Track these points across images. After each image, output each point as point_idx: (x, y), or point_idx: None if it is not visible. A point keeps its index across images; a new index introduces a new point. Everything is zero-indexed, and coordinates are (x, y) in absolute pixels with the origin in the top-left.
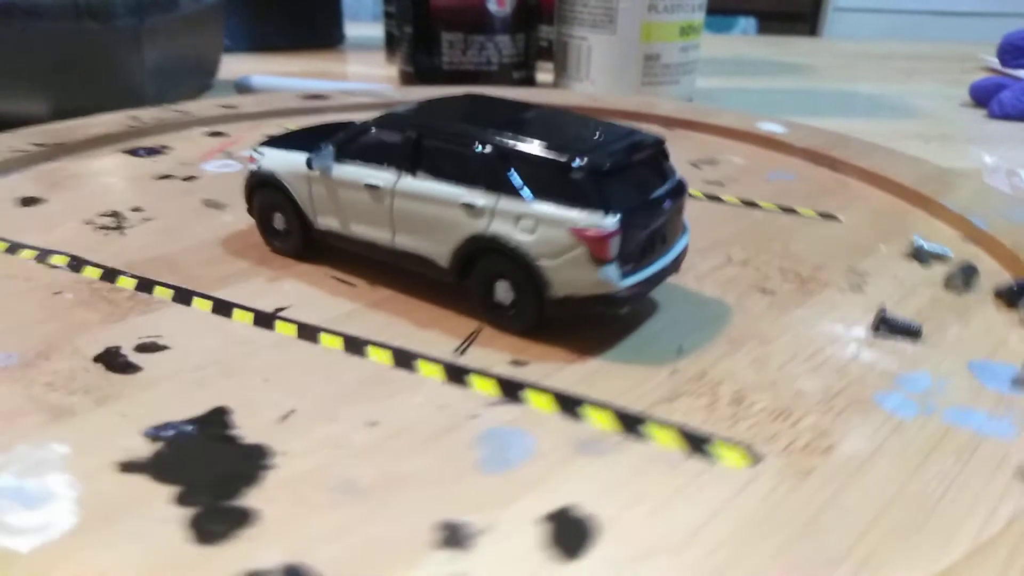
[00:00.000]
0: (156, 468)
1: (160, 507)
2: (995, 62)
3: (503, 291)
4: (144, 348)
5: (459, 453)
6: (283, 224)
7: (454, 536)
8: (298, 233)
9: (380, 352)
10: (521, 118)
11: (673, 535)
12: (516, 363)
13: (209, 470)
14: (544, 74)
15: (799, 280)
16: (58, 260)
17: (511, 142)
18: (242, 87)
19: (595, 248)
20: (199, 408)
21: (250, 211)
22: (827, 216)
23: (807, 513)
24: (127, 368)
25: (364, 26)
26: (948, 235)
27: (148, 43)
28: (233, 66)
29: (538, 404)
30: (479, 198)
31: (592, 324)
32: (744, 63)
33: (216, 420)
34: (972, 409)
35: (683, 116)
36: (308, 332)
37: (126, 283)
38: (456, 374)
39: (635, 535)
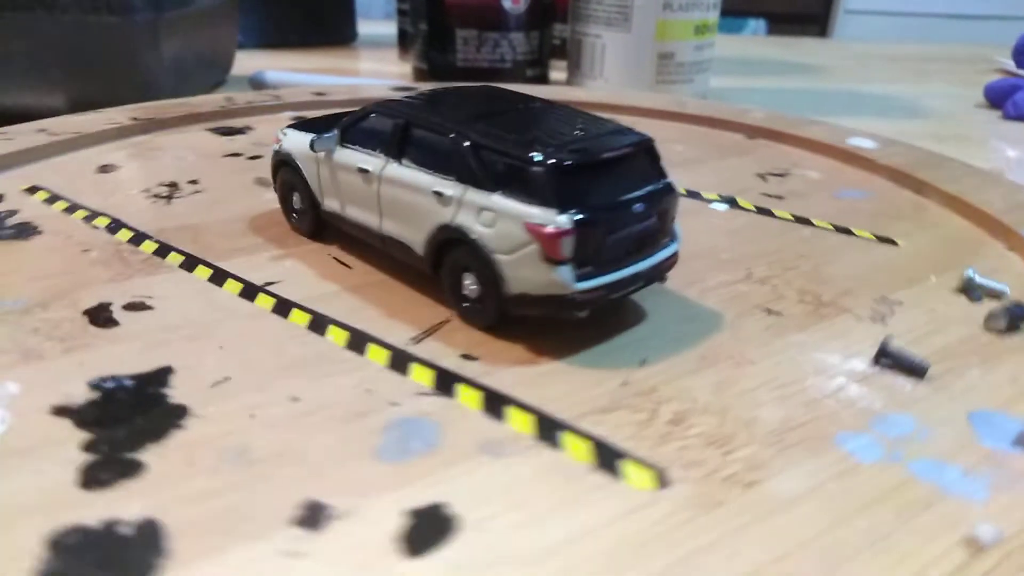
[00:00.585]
0: (82, 415)
1: (68, 450)
2: (1010, 63)
3: (469, 284)
4: (131, 307)
5: (362, 437)
6: (299, 203)
7: (312, 516)
8: (310, 213)
9: (338, 332)
10: (514, 111)
11: (533, 547)
12: (466, 357)
13: (126, 423)
14: (558, 72)
15: (816, 304)
16: (100, 221)
17: (483, 134)
18: (256, 82)
19: (547, 246)
20: (149, 366)
21: (275, 189)
22: (884, 240)
23: (693, 546)
24: (107, 323)
25: (376, 23)
26: (1022, 270)
27: (165, 37)
28: (246, 62)
29: (465, 400)
30: (449, 188)
31: (566, 326)
32: (756, 63)
33: (157, 379)
34: (947, 463)
35: (770, 126)
36: (282, 307)
37: (147, 247)
38: (399, 361)
39: (492, 542)
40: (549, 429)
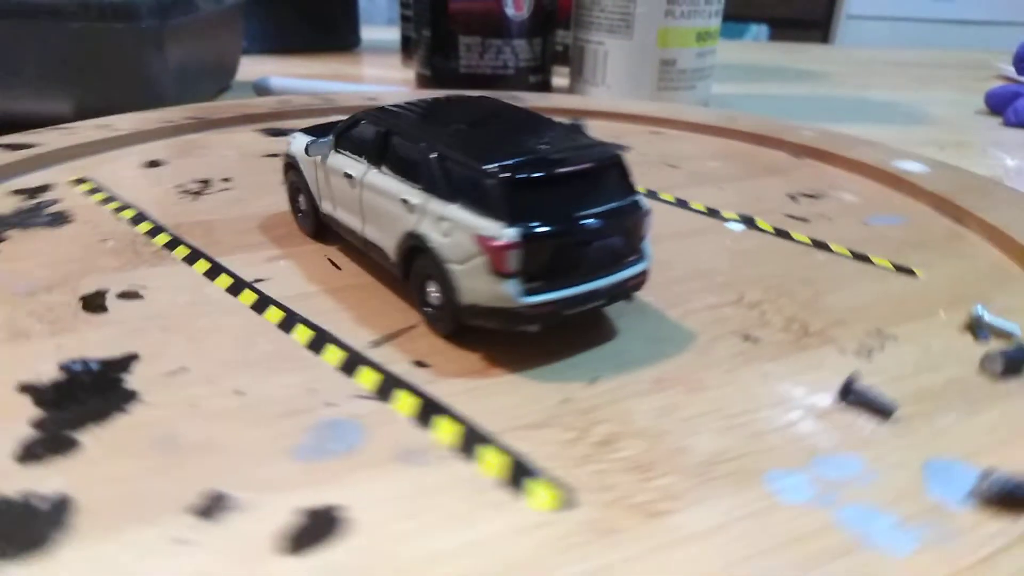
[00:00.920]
0: (43, 394)
1: (19, 425)
2: (1010, 70)
3: (432, 291)
4: (125, 295)
5: (286, 435)
6: (304, 205)
7: (210, 507)
8: (312, 214)
9: (304, 331)
10: (495, 124)
11: (413, 556)
12: (418, 363)
13: (79, 404)
14: (560, 78)
15: (801, 333)
16: (127, 213)
17: (449, 145)
18: (261, 89)
19: (494, 259)
20: (119, 352)
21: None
22: (903, 269)
23: (575, 571)
24: (97, 309)
25: (378, 29)
26: None
27: (171, 44)
28: (251, 68)
29: (400, 406)
30: (415, 196)
31: (529, 338)
32: (757, 69)
33: (121, 364)
34: (882, 512)
35: (817, 145)
36: (261, 304)
37: (160, 239)
38: (350, 364)
39: (373, 548)
40: (470, 442)
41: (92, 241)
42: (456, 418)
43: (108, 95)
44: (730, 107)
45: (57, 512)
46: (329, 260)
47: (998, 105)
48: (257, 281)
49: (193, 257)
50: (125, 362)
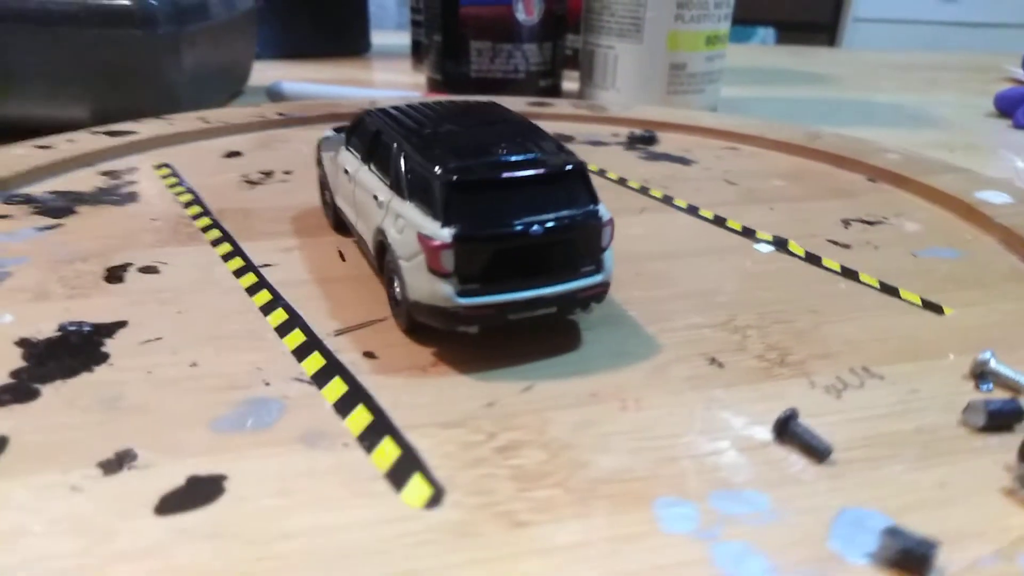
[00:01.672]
0: (32, 348)
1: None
2: (1019, 72)
3: (396, 285)
4: (145, 269)
5: (216, 406)
6: (328, 198)
7: (115, 462)
8: (332, 207)
9: (279, 315)
10: (475, 127)
11: (267, 530)
12: (367, 355)
13: (55, 360)
14: (570, 82)
15: (776, 363)
16: (184, 197)
17: (416, 146)
18: (273, 93)
19: (429, 258)
20: (112, 319)
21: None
22: (931, 306)
23: (415, 566)
24: (115, 280)
25: (388, 34)
26: None
27: (186, 49)
28: (263, 73)
29: (327, 392)
30: (383, 193)
31: (489, 341)
32: (765, 72)
33: (108, 330)
34: (763, 556)
35: (896, 170)
36: (255, 287)
37: (201, 223)
38: (304, 349)
39: (233, 519)
40: (375, 433)
41: (143, 219)
42: (373, 409)
43: (125, 100)
44: (740, 110)
45: None
46: (339, 252)
47: (1008, 107)
48: (264, 266)
49: (220, 240)
50: (113, 328)
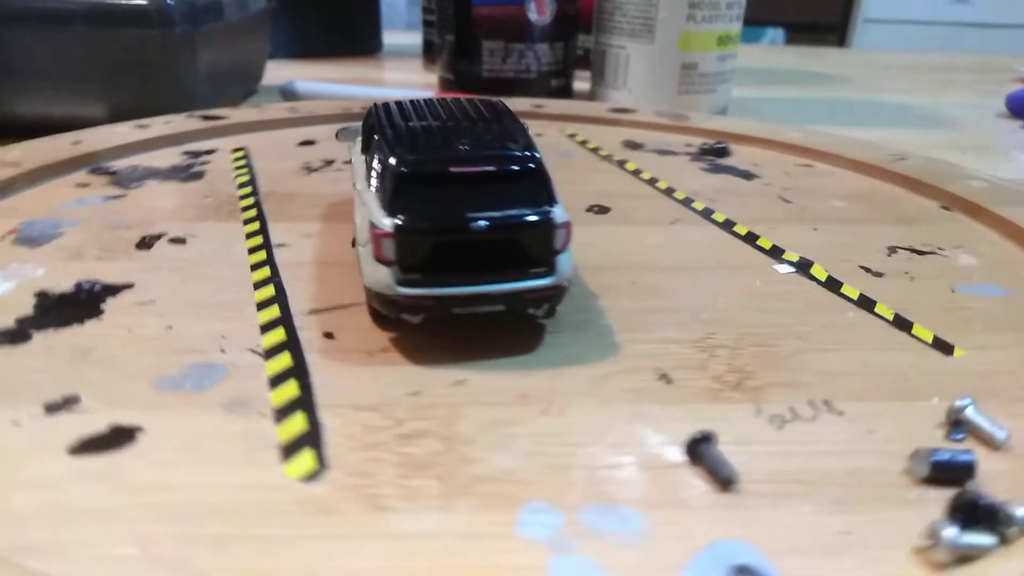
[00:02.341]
0: (45, 300)
1: (7, 319)
2: None
3: None
4: (174, 240)
5: (166, 366)
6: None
7: (58, 405)
8: None
9: (265, 292)
10: (459, 122)
11: (152, 480)
12: (327, 335)
13: (59, 312)
14: (581, 82)
15: (731, 385)
16: (242, 179)
17: (389, 138)
18: (287, 92)
19: (374, 246)
20: (123, 280)
21: None
22: (942, 345)
23: (256, 532)
24: (144, 247)
25: (399, 34)
26: None
27: (202, 49)
28: (275, 72)
29: (271, 365)
30: (360, 182)
31: (450, 333)
32: (774, 73)
33: (114, 290)
34: (599, 571)
35: (975, 199)
36: (259, 265)
37: (244, 203)
38: (271, 324)
39: (131, 466)
40: (293, 407)
41: (197, 196)
42: (303, 385)
43: (141, 99)
44: (751, 111)
45: None
46: (352, 239)
47: (1019, 109)
48: (278, 246)
49: (252, 220)
50: (119, 289)
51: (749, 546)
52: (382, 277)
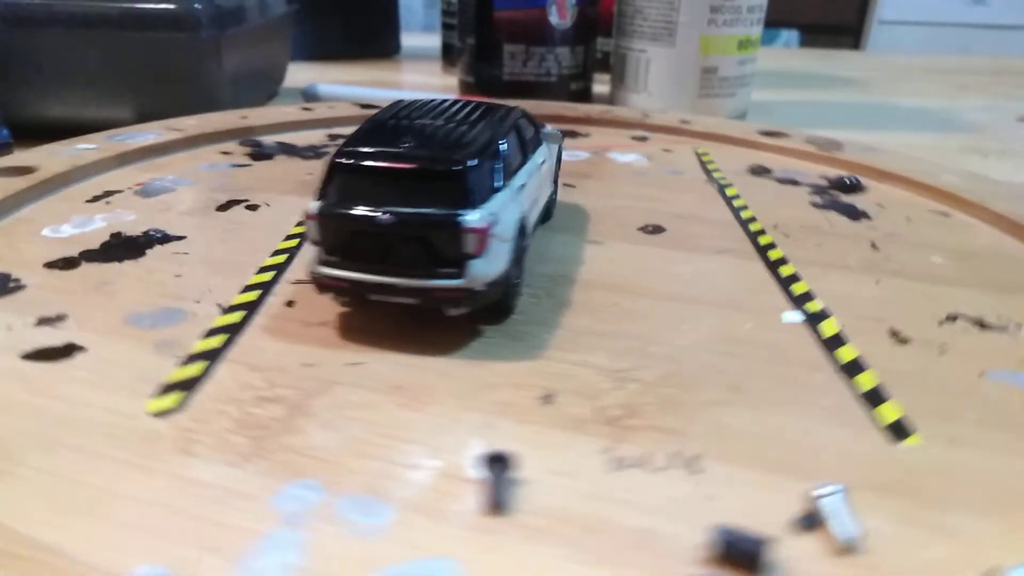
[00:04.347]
0: (115, 239)
1: (56, 253)
2: None
3: None
4: (250, 207)
5: (146, 306)
6: None
7: (48, 319)
8: None
9: (277, 259)
10: (436, 123)
11: (40, 386)
12: (288, 303)
13: (114, 251)
14: (600, 85)
15: (607, 420)
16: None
17: (361, 130)
18: (309, 95)
19: (307, 226)
20: (181, 233)
21: None
22: (898, 430)
23: (73, 442)
24: (221, 209)
25: (416, 36)
26: None
27: (227, 52)
28: (295, 75)
29: (221, 319)
30: None
31: (397, 323)
32: (789, 75)
33: (167, 240)
34: (298, 545)
35: None
36: (293, 236)
37: None
38: (253, 287)
39: (37, 375)
40: (203, 356)
41: (301, 173)
42: (229, 340)
43: (167, 101)
44: (770, 113)
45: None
46: None
47: None
48: (298, 222)
49: None
50: (171, 239)
51: (456, 568)
52: (310, 256)
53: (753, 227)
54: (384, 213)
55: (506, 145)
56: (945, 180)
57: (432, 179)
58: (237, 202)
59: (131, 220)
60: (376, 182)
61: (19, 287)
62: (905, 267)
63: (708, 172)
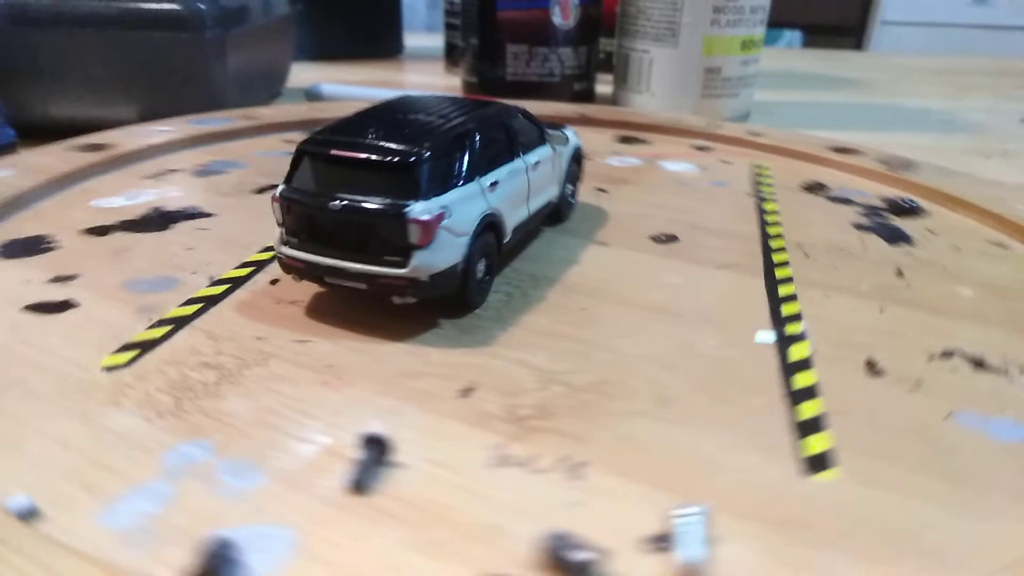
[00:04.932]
0: (153, 213)
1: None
2: None
3: None
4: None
5: (147, 273)
6: None
7: (62, 277)
8: None
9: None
10: (421, 115)
11: (19, 331)
12: (273, 281)
13: (148, 224)
14: (603, 85)
15: (510, 419)
16: None
17: (344, 121)
18: (313, 95)
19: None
20: (214, 211)
21: None
22: (816, 463)
23: (28, 388)
24: (257, 192)
25: (419, 36)
26: None
27: (231, 52)
28: (299, 75)
29: (206, 290)
30: None
31: (363, 307)
32: (792, 76)
33: (197, 216)
34: (160, 494)
35: None
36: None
37: None
38: (249, 264)
39: (26, 323)
40: (172, 322)
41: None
42: (201, 310)
43: (172, 101)
44: (773, 114)
45: (37, 243)
46: None
47: None
48: None
49: None
50: (200, 216)
51: (289, 536)
52: (276, 236)
53: (774, 244)
54: (335, 200)
55: (478, 141)
56: (1015, 210)
57: (384, 169)
58: (271, 187)
59: (174, 196)
60: (334, 170)
61: (51, 248)
62: (920, 297)
63: (755, 186)
